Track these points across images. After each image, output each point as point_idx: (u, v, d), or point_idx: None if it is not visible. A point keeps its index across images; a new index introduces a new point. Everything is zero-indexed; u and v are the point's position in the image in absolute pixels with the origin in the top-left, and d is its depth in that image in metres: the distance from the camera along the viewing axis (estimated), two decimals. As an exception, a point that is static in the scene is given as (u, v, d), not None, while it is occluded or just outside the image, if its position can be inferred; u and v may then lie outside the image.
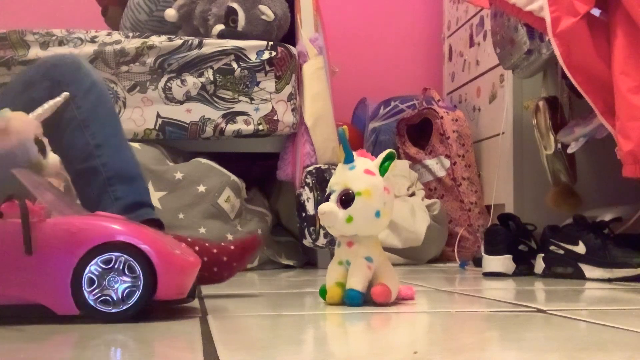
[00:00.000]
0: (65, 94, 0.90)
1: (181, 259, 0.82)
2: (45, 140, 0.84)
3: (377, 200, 0.92)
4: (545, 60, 1.59)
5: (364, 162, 0.94)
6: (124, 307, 0.77)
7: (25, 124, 0.81)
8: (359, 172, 0.93)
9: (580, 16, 1.22)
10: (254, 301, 1.10)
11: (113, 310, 0.76)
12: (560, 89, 1.77)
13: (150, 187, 1.71)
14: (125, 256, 0.77)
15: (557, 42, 1.25)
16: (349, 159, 0.95)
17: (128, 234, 0.77)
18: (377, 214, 0.92)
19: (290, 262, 1.90)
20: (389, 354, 0.61)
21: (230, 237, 1.74)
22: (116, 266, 0.76)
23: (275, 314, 0.92)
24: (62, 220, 0.77)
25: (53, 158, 0.83)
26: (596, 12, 1.29)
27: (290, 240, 1.99)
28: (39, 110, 0.85)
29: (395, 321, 0.84)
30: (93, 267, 0.76)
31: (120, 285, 0.77)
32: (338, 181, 0.94)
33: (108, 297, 0.76)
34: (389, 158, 0.93)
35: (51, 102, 0.86)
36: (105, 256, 0.76)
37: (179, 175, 1.74)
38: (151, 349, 0.65)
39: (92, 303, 0.76)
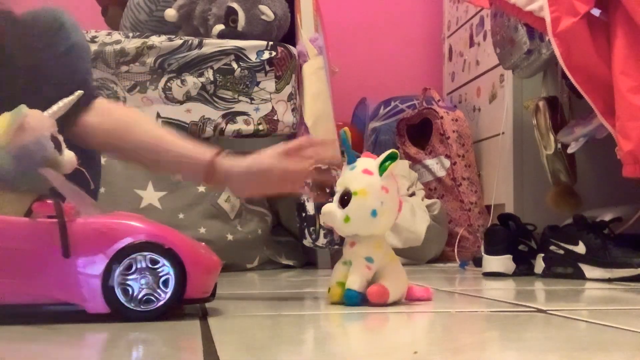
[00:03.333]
0: (79, 92, 0.90)
1: (207, 259, 0.83)
2: (60, 138, 0.84)
3: (373, 200, 0.92)
4: (545, 60, 1.59)
5: (365, 162, 0.95)
6: (155, 306, 0.77)
7: (42, 121, 0.81)
8: (357, 172, 0.94)
9: (580, 16, 1.22)
10: (254, 301, 1.10)
11: (144, 309, 0.77)
12: (560, 89, 1.77)
13: (150, 187, 1.71)
14: (156, 256, 0.77)
15: (557, 42, 1.25)
16: (351, 160, 0.96)
17: (158, 234, 0.79)
18: (374, 213, 0.92)
19: (290, 262, 1.90)
20: (389, 354, 0.61)
21: (230, 237, 1.74)
22: (146, 265, 0.77)
23: (275, 314, 0.92)
24: (91, 219, 0.78)
25: (68, 155, 0.84)
26: (596, 12, 1.29)
27: (290, 240, 1.99)
28: (54, 107, 0.85)
29: (395, 321, 0.84)
30: (124, 267, 0.76)
31: (151, 285, 0.77)
32: (340, 182, 0.95)
33: (139, 297, 0.77)
34: (391, 158, 0.93)
35: (66, 100, 0.87)
36: (136, 255, 0.77)
37: (179, 175, 1.74)
38: (151, 349, 0.65)
39: (123, 302, 0.77)
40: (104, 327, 0.75)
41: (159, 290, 0.77)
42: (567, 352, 0.61)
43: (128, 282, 0.76)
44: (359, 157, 0.97)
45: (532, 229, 1.58)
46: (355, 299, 0.92)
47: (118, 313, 0.76)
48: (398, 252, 1.94)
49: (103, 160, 1.70)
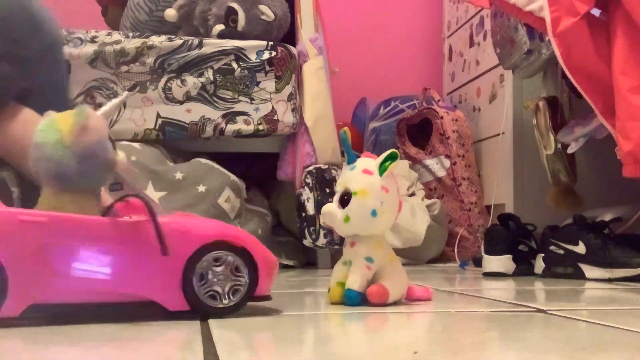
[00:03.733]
0: (127, 92, 0.91)
1: (273, 258, 0.86)
2: (113, 138, 0.85)
3: (373, 200, 0.92)
4: (545, 60, 1.59)
5: (365, 162, 0.95)
6: (231, 303, 0.80)
7: (101, 121, 0.82)
8: (357, 172, 0.94)
9: (580, 16, 1.22)
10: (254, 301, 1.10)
11: (221, 306, 0.80)
12: (560, 89, 1.77)
13: (150, 187, 1.71)
14: (232, 254, 0.80)
15: (557, 42, 1.25)
16: (350, 160, 0.96)
17: (231, 234, 0.81)
18: (374, 213, 0.92)
19: (290, 262, 1.90)
20: (389, 354, 0.61)
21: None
22: (223, 264, 0.80)
23: (275, 314, 0.92)
24: (168, 219, 0.80)
25: (122, 155, 0.84)
26: (596, 12, 1.29)
27: (290, 240, 1.99)
28: (105, 107, 0.86)
29: (395, 321, 0.84)
30: (202, 265, 0.79)
31: (228, 282, 0.80)
32: (340, 182, 0.96)
33: (216, 294, 0.80)
34: (391, 158, 0.93)
35: (115, 101, 0.87)
36: (213, 254, 0.79)
37: (179, 175, 1.74)
38: (151, 348, 0.65)
39: (202, 299, 0.79)
40: (104, 327, 0.75)
41: (234, 288, 0.80)
42: (567, 352, 0.61)
43: (206, 280, 0.79)
44: (359, 157, 0.97)
45: (532, 229, 1.58)
46: (355, 299, 0.92)
47: (197, 309, 0.79)
48: (398, 252, 1.94)
49: (103, 160, 1.70)
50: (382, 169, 0.93)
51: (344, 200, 0.93)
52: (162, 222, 0.78)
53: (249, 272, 0.81)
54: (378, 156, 0.96)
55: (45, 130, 0.79)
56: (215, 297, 0.80)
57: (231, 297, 0.80)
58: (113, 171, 0.82)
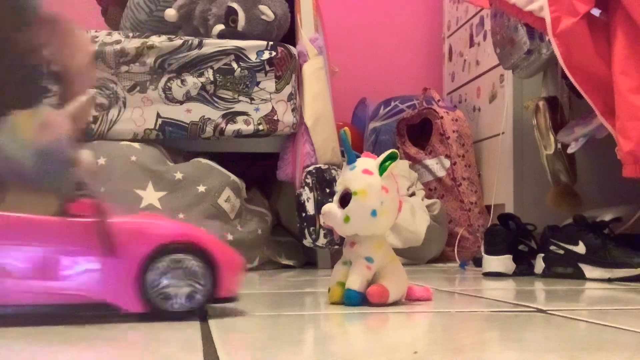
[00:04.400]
0: (92, 90, 0.90)
1: (237, 258, 0.84)
2: (78, 137, 0.84)
3: (373, 200, 0.92)
4: (545, 60, 1.59)
5: (365, 162, 0.95)
6: (188, 306, 0.78)
7: (62, 120, 0.81)
8: (357, 172, 0.94)
9: (580, 16, 1.22)
10: (254, 301, 1.10)
11: (177, 309, 0.78)
12: (560, 89, 1.77)
13: (150, 187, 1.71)
14: (189, 255, 0.78)
15: (557, 42, 1.25)
16: (351, 160, 0.96)
17: (190, 234, 0.79)
18: (374, 213, 0.92)
19: (290, 262, 1.90)
20: (388, 354, 0.61)
21: (230, 237, 1.74)
22: (180, 265, 0.78)
23: (275, 314, 0.92)
24: (124, 219, 0.79)
25: (86, 154, 0.84)
26: (596, 12, 1.29)
27: (290, 240, 1.99)
28: (70, 106, 0.85)
29: (395, 321, 0.84)
30: (157, 266, 0.77)
31: (184, 284, 0.78)
32: (340, 182, 0.96)
33: (172, 296, 0.78)
34: (391, 158, 0.93)
35: (82, 99, 0.86)
36: (170, 256, 0.77)
37: (179, 175, 1.74)
38: (151, 349, 0.65)
39: (156, 301, 0.77)
40: (104, 327, 0.75)
41: (192, 290, 0.78)
42: (567, 352, 0.61)
43: (161, 282, 0.77)
44: (359, 157, 0.97)
45: (532, 229, 1.58)
46: (355, 299, 0.92)
47: (152, 312, 0.77)
48: (398, 252, 1.94)
49: (103, 160, 1.70)
50: (382, 169, 0.93)
51: (344, 200, 0.93)
52: (118, 222, 0.77)
53: (209, 274, 0.79)
54: (378, 156, 0.96)
55: (5, 129, 0.78)
56: (171, 298, 0.77)
57: (188, 299, 0.78)
58: (76, 170, 0.80)
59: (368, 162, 0.95)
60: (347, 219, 0.93)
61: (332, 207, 0.94)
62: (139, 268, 0.76)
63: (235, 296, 0.84)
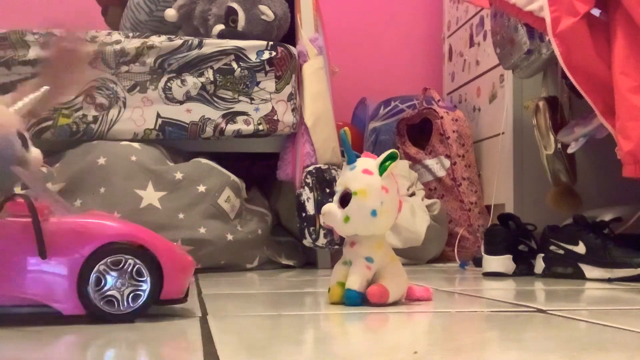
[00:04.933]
0: (46, 87, 0.88)
1: (184, 259, 0.82)
2: (27, 135, 0.82)
3: (373, 200, 0.92)
4: (545, 60, 1.59)
5: (365, 162, 0.95)
6: (131, 308, 0.77)
7: (8, 117, 0.79)
8: (357, 172, 0.94)
9: (580, 16, 1.22)
10: (254, 301, 1.10)
11: (119, 311, 0.76)
12: (560, 89, 1.77)
13: (150, 187, 1.71)
14: (132, 256, 0.76)
15: (557, 42, 1.25)
16: (351, 160, 0.96)
17: (134, 234, 0.77)
18: (374, 213, 0.92)
19: (290, 262, 1.90)
20: (388, 354, 0.61)
21: (230, 237, 1.74)
22: (122, 266, 0.76)
23: (275, 314, 0.92)
24: (65, 219, 0.77)
25: (35, 152, 0.82)
26: (596, 12, 1.29)
27: (290, 240, 1.99)
28: (20, 103, 0.83)
29: (395, 321, 0.84)
30: (99, 267, 0.75)
31: (127, 286, 0.76)
32: (340, 182, 0.95)
33: (114, 298, 0.76)
34: (391, 158, 0.93)
35: (32, 96, 0.84)
36: (112, 257, 0.76)
37: (179, 175, 1.74)
38: (151, 349, 0.65)
39: (98, 304, 0.76)
40: (103, 327, 0.75)
41: (135, 292, 0.77)
42: (567, 352, 0.61)
43: (103, 283, 0.75)
44: (359, 157, 0.97)
45: (532, 229, 1.58)
46: (355, 299, 0.92)
47: (93, 314, 0.76)
48: (398, 252, 1.94)
49: (103, 160, 1.70)
50: (382, 169, 0.93)
51: (344, 200, 0.93)
52: (57, 222, 0.75)
53: (152, 275, 0.77)
54: (378, 156, 0.96)
55: None
56: (112, 301, 0.76)
57: (131, 302, 0.76)
58: (20, 169, 0.78)
59: (368, 162, 0.95)
60: (347, 219, 0.93)
61: (332, 207, 0.94)
62: (80, 269, 0.75)
63: (182, 297, 0.82)
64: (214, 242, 1.71)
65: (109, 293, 0.76)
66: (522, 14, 1.33)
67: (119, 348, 0.66)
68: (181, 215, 1.70)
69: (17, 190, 0.78)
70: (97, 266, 0.75)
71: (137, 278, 0.77)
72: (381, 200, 0.93)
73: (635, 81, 1.19)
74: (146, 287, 0.77)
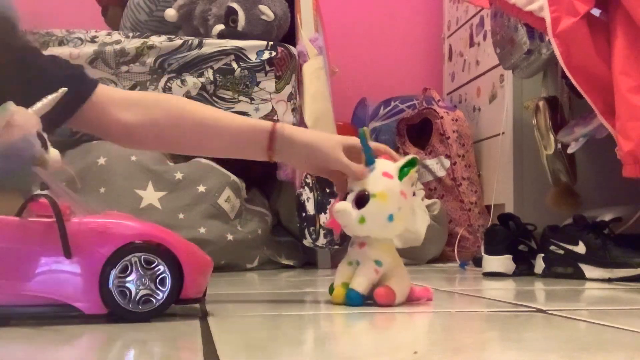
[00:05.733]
0: (63, 89, 0.88)
1: (202, 258, 0.83)
2: (46, 135, 0.82)
3: (391, 204, 0.91)
4: (545, 60, 1.59)
5: (384, 165, 0.93)
6: (152, 307, 0.77)
7: (28, 118, 0.80)
8: (377, 174, 0.92)
9: (580, 16, 1.22)
10: (254, 301, 1.10)
11: (140, 310, 0.77)
12: (560, 89, 1.77)
13: (150, 187, 1.71)
14: (153, 256, 0.77)
15: (557, 42, 1.25)
16: (370, 162, 0.94)
17: (154, 234, 0.78)
18: (390, 218, 0.91)
19: (290, 262, 1.90)
20: (388, 354, 0.61)
21: (230, 237, 1.74)
22: (143, 265, 0.77)
23: (275, 314, 0.92)
24: (86, 219, 0.77)
25: (54, 153, 0.82)
26: (596, 12, 1.29)
27: (290, 240, 1.99)
28: (38, 104, 0.83)
29: (395, 321, 0.84)
30: (121, 267, 0.76)
31: (148, 285, 0.77)
32: (356, 182, 0.94)
33: (136, 297, 0.76)
34: (411, 163, 0.92)
35: (50, 97, 0.85)
36: (133, 256, 0.76)
37: (179, 175, 1.74)
38: (151, 349, 0.65)
39: (120, 302, 0.76)
40: (103, 327, 0.75)
41: (156, 291, 0.77)
42: (567, 352, 0.61)
43: (125, 283, 0.76)
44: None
45: (532, 229, 1.58)
46: (357, 300, 0.92)
47: (115, 314, 0.76)
48: (398, 252, 1.94)
49: (102, 160, 1.70)
50: (402, 174, 0.92)
51: (361, 201, 0.92)
52: (78, 222, 0.76)
53: (173, 274, 0.77)
54: (390, 157, 0.95)
55: None
56: (132, 299, 0.76)
57: (151, 300, 0.77)
58: (40, 170, 0.79)
59: (387, 164, 0.93)
60: (362, 220, 0.91)
61: (347, 206, 0.92)
62: (101, 269, 0.75)
63: (201, 297, 0.83)
64: (214, 242, 1.71)
65: (129, 292, 0.76)
66: (522, 14, 1.33)
67: (119, 348, 0.66)
68: (181, 215, 1.70)
69: (36, 190, 0.79)
70: (118, 265, 0.76)
71: (158, 277, 0.77)
72: (399, 206, 0.91)
73: (635, 81, 1.19)
74: (167, 286, 0.77)
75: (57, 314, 0.77)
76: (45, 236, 0.75)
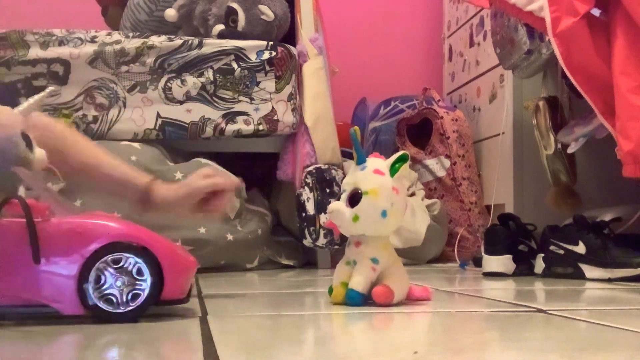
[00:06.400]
0: (50, 88, 0.88)
1: (185, 259, 0.82)
2: (31, 135, 0.82)
3: (383, 200, 0.92)
4: (545, 60, 1.59)
5: (375, 162, 0.94)
6: (130, 308, 0.77)
7: (12, 117, 0.79)
8: (368, 172, 0.93)
9: (580, 16, 1.22)
10: (254, 301, 1.10)
11: (119, 311, 0.76)
12: (560, 89, 1.77)
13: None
14: (132, 256, 0.76)
15: (557, 42, 1.25)
16: (360, 160, 0.95)
17: (134, 234, 0.77)
18: (384, 214, 0.91)
19: (290, 262, 1.90)
20: (389, 354, 0.61)
21: (230, 237, 1.74)
22: (123, 266, 0.76)
23: (275, 314, 0.92)
24: (66, 219, 0.77)
25: (39, 153, 0.82)
26: (596, 12, 1.29)
27: (290, 240, 1.99)
28: (25, 104, 0.83)
29: (395, 321, 0.84)
30: (99, 267, 0.75)
31: (127, 286, 0.76)
32: (349, 181, 0.94)
33: (114, 298, 0.76)
34: (402, 159, 0.93)
35: (36, 97, 0.85)
36: (112, 256, 0.76)
37: (179, 175, 1.74)
38: (151, 349, 0.65)
39: (98, 303, 0.76)
40: (104, 327, 0.75)
41: (135, 292, 0.77)
42: (567, 352, 0.61)
43: (103, 282, 0.76)
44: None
45: (532, 229, 1.58)
46: (357, 300, 0.92)
47: (93, 314, 0.76)
48: (398, 252, 1.93)
49: (103, 160, 1.70)
50: (393, 170, 0.93)
51: (353, 200, 0.92)
52: (57, 222, 0.76)
53: (152, 275, 0.77)
54: (381, 156, 0.95)
55: None
56: (112, 301, 0.76)
57: (130, 302, 0.76)
58: (28, 169, 0.79)
59: (379, 162, 0.94)
60: (356, 218, 0.92)
61: (340, 206, 0.93)
62: (79, 269, 0.75)
63: (184, 298, 0.82)
64: (214, 242, 1.71)
65: (108, 292, 0.76)
66: (522, 14, 1.33)
67: (119, 348, 0.66)
68: (181, 215, 1.70)
69: (21, 190, 0.79)
70: (96, 265, 0.75)
71: (138, 277, 0.77)
72: (392, 202, 0.92)
73: (635, 81, 1.19)
74: (146, 286, 0.77)
75: (51, 315, 0.77)
76: (22, 236, 0.74)
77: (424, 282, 1.35)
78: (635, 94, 1.19)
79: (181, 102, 1.81)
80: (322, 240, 1.78)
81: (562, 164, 1.67)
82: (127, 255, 0.76)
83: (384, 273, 0.94)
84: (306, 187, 1.78)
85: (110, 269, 0.76)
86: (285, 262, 1.90)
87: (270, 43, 1.85)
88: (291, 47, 1.87)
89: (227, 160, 1.84)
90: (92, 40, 1.79)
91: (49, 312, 0.77)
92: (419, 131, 2.38)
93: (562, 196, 1.69)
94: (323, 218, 1.77)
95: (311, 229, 1.78)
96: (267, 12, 1.86)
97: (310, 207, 1.78)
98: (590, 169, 1.83)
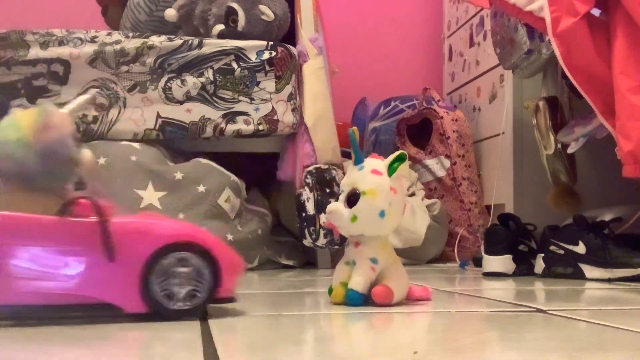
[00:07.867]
0: (93, 90, 0.90)
1: (237, 260, 0.84)
2: (78, 135, 0.84)
3: (381, 200, 0.92)
4: (545, 60, 1.59)
5: (373, 162, 0.94)
6: (191, 305, 0.79)
7: (64, 119, 0.81)
8: (366, 172, 0.93)
9: (580, 16, 1.22)
10: (254, 301, 1.10)
11: (180, 308, 0.78)
12: (560, 89, 1.77)
13: (150, 187, 1.71)
14: (192, 255, 0.78)
15: (557, 42, 1.25)
16: (358, 160, 0.95)
17: (194, 235, 0.80)
18: (382, 214, 0.92)
19: (290, 262, 1.90)
20: (389, 354, 0.61)
21: (230, 237, 1.74)
22: (183, 264, 0.78)
23: (275, 314, 0.92)
24: (126, 219, 0.79)
25: (87, 153, 0.83)
26: (596, 12, 1.29)
27: (290, 240, 1.99)
28: (71, 105, 0.85)
29: (395, 321, 0.84)
30: (162, 266, 0.77)
31: (187, 284, 0.78)
32: (347, 182, 0.94)
33: (175, 296, 0.78)
34: (399, 159, 0.93)
35: (81, 98, 0.86)
36: (173, 255, 0.77)
37: (179, 175, 1.74)
38: (151, 349, 0.65)
39: (160, 301, 0.77)
40: (104, 327, 0.75)
41: (194, 290, 0.79)
42: (567, 352, 0.61)
43: (165, 282, 0.77)
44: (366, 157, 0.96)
45: (532, 229, 1.58)
46: (357, 300, 0.92)
47: (156, 312, 0.77)
48: (398, 252, 1.92)
49: (103, 159, 1.70)
50: (391, 169, 0.93)
51: (351, 200, 0.92)
52: (121, 222, 0.77)
53: (211, 274, 0.79)
54: (380, 157, 0.95)
55: (6, 128, 0.78)
56: (173, 298, 0.78)
57: (190, 298, 0.78)
58: (76, 170, 0.80)
59: (376, 162, 0.94)
60: (354, 219, 0.92)
61: (338, 206, 0.93)
62: (142, 268, 0.76)
63: (234, 296, 0.85)
64: (214, 242, 1.71)
65: (169, 290, 0.78)
66: (522, 14, 1.33)
67: (119, 348, 0.66)
68: (181, 215, 1.70)
69: (71, 190, 0.80)
70: (158, 264, 0.77)
71: (196, 276, 0.79)
72: (390, 201, 0.92)
73: (635, 81, 1.19)
74: (205, 284, 0.79)
75: (59, 315, 0.77)
76: (89, 236, 0.76)
77: (424, 282, 1.35)
78: (635, 94, 1.19)
79: (181, 102, 1.81)
80: (322, 240, 1.78)
81: (562, 164, 1.67)
82: (189, 254, 0.78)
83: (383, 273, 0.94)
84: (306, 187, 1.78)
85: (172, 269, 0.78)
86: (285, 262, 1.90)
87: (270, 43, 1.85)
88: (291, 47, 1.88)
89: (227, 160, 1.84)
90: (92, 40, 1.79)
91: (48, 312, 0.77)
92: (419, 131, 2.38)
93: (562, 196, 1.69)
94: (323, 218, 1.77)
95: (311, 229, 1.78)
96: (267, 12, 1.86)
97: (310, 207, 1.78)
98: (590, 169, 1.83)
